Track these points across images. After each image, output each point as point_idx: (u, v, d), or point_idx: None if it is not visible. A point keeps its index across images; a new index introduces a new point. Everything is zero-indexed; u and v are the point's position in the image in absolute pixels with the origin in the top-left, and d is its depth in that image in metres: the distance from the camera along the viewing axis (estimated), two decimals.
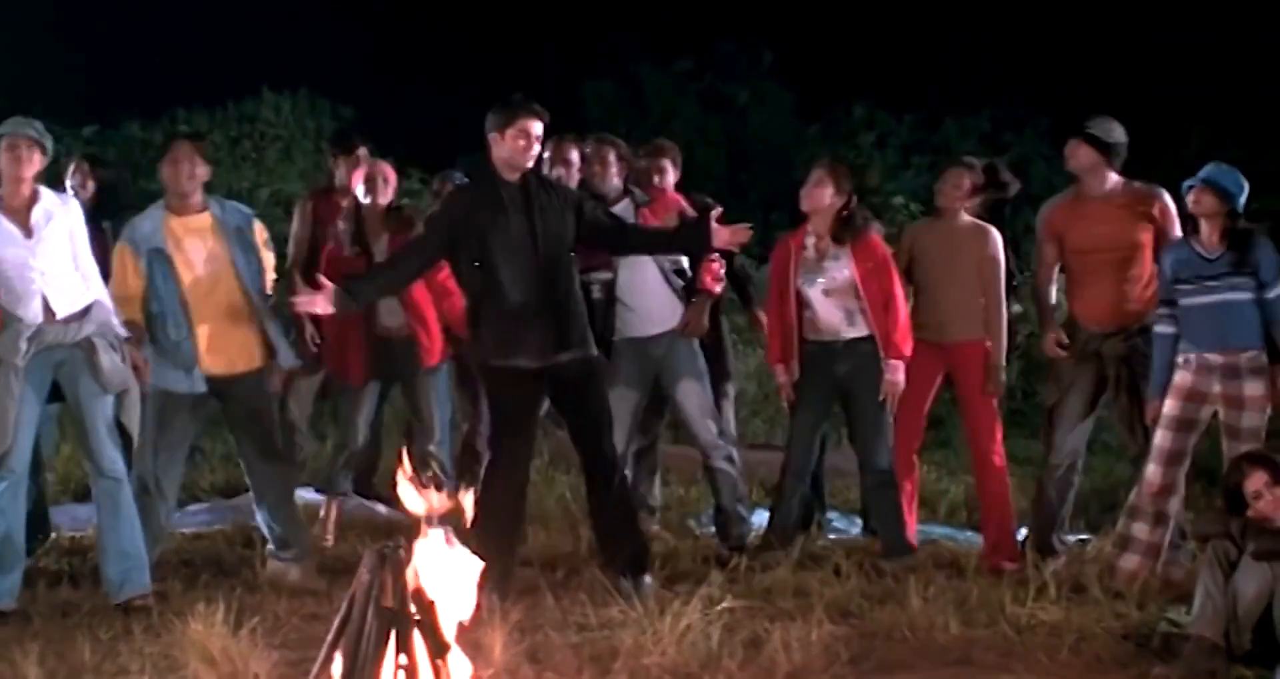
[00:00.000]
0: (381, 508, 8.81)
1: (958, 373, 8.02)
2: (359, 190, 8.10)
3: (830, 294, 7.63)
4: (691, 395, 7.89)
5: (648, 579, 7.00)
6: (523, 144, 6.85)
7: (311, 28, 21.20)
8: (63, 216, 6.77)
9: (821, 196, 7.62)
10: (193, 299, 7.00)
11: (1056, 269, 7.87)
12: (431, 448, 8.12)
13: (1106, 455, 10.63)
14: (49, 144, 6.77)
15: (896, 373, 7.61)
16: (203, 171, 7.11)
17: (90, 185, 9.12)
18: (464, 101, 22.37)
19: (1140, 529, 7.23)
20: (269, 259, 7.31)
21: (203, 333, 7.03)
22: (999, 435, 8.09)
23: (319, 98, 19.46)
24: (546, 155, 7.89)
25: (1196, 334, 7.08)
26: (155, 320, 7.02)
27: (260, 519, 7.37)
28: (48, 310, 6.62)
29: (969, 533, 8.91)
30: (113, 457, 6.77)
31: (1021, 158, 20.08)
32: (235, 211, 7.26)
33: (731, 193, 23.69)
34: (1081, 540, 8.51)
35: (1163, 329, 7.20)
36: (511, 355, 6.87)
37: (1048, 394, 7.88)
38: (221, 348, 7.08)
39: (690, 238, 7.32)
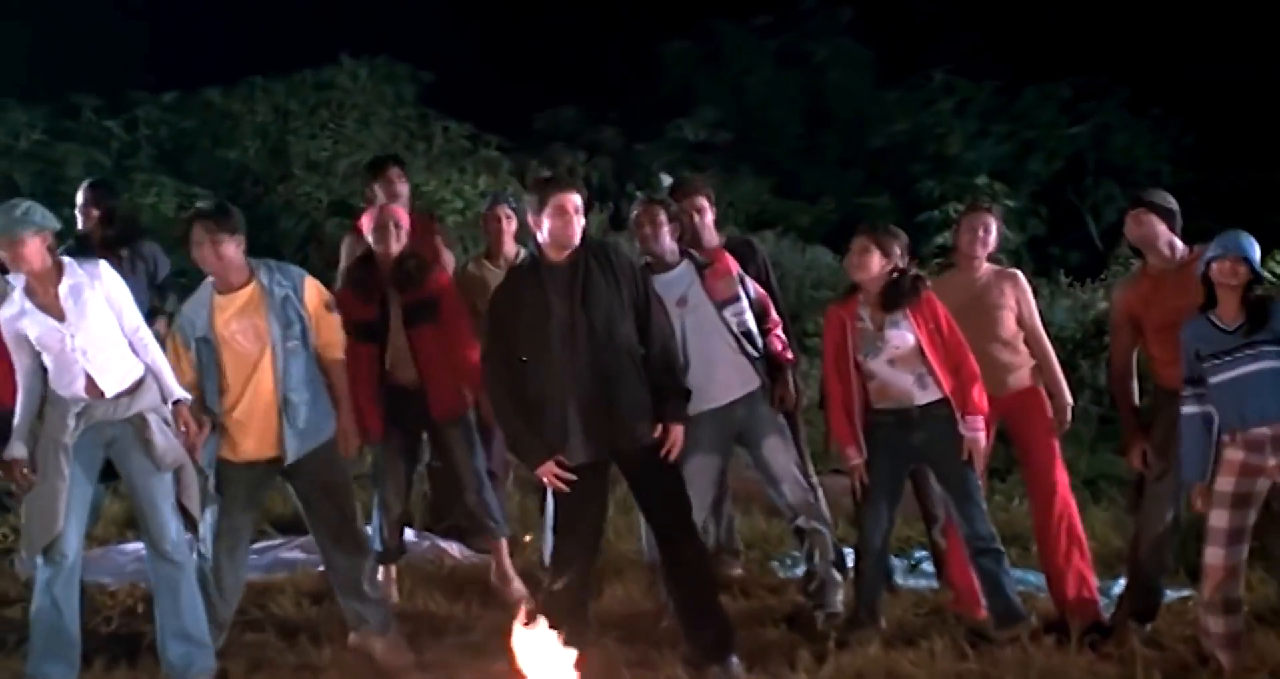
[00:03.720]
0: (455, 549, 8.26)
1: (1014, 423, 7.41)
2: (370, 237, 7.47)
3: (896, 363, 6.95)
4: (778, 453, 7.23)
5: (734, 661, 6.44)
6: (561, 222, 6.25)
7: None
8: (93, 287, 6.21)
9: (869, 265, 6.94)
10: (242, 383, 6.45)
11: (1134, 357, 7.20)
12: (470, 496, 7.54)
13: None
14: (39, 217, 6.15)
15: (975, 428, 6.92)
16: (232, 250, 6.48)
17: (93, 213, 8.55)
18: (543, 64, 21.93)
19: (1215, 623, 6.53)
20: (333, 321, 6.71)
21: (251, 416, 6.48)
22: (1065, 478, 7.46)
23: (398, 63, 18.84)
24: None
25: (1236, 410, 6.34)
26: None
27: (339, 599, 6.84)
28: (93, 389, 6.13)
29: None
30: (175, 540, 6.26)
31: (1101, 127, 19.31)
32: (284, 279, 6.59)
33: (808, 151, 23.05)
34: (1184, 597, 7.87)
35: (1190, 409, 6.48)
36: (563, 454, 6.29)
37: (1149, 469, 7.15)
38: (271, 430, 6.50)
39: (673, 412, 6.46)
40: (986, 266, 7.53)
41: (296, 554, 8.12)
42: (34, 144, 16.68)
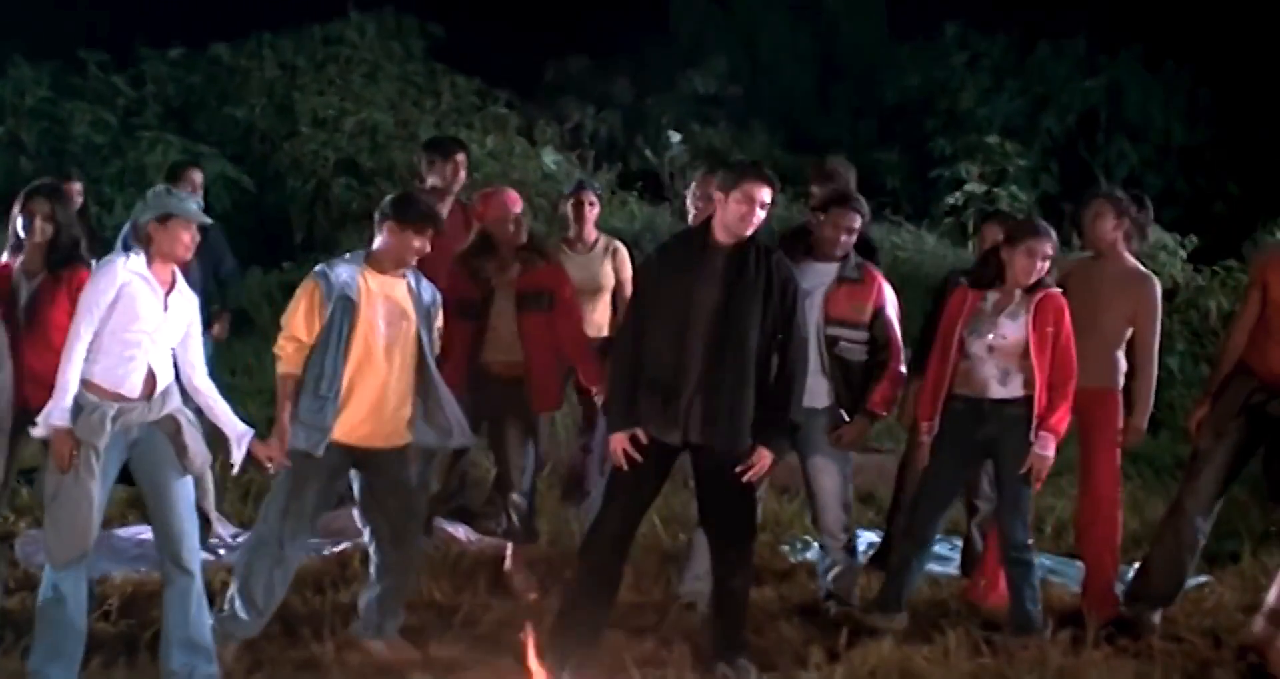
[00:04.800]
0: (461, 532, 8.07)
1: (1084, 422, 7.16)
2: (496, 225, 7.23)
3: (994, 351, 6.73)
4: (826, 473, 7.04)
5: (742, 663, 6.26)
6: (744, 210, 6.02)
7: None
8: (188, 308, 6.02)
9: (1042, 270, 6.70)
10: (359, 361, 6.23)
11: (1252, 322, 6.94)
12: (515, 497, 7.33)
13: None
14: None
15: (1048, 447, 6.68)
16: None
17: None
18: (553, 15, 21.58)
19: None
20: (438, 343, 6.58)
21: (358, 399, 6.25)
22: (1118, 491, 7.31)
23: (407, 17, 18.50)
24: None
25: None
26: (306, 372, 6.22)
27: (363, 599, 6.60)
28: (149, 384, 5.84)
29: (1079, 564, 8.05)
30: (192, 546, 5.99)
31: (1115, 83, 18.99)
32: (429, 288, 6.46)
33: (819, 106, 22.74)
34: (1200, 584, 7.69)
35: None
36: (648, 426, 6.12)
37: (1199, 438, 6.96)
38: (373, 419, 6.29)
39: (772, 439, 6.22)
40: (1127, 262, 7.21)
41: None
42: (40, 101, 16.40)
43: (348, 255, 6.41)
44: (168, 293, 5.88)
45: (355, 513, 7.83)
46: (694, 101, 21.41)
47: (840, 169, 7.80)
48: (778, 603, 7.30)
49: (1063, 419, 6.71)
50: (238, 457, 6.09)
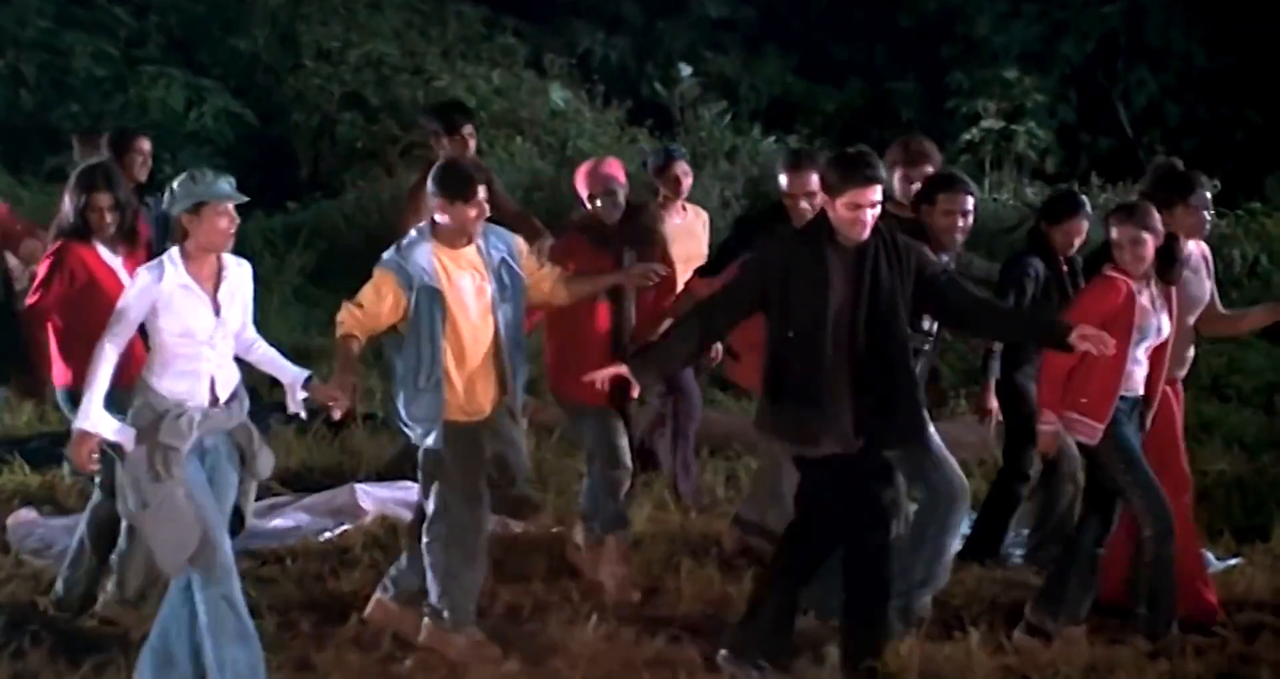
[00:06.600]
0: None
1: (1170, 411, 6.77)
2: (597, 203, 6.83)
3: (1147, 350, 6.35)
4: None
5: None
6: (853, 216, 5.64)
7: None
8: (243, 290, 5.64)
9: (1147, 255, 6.17)
10: (458, 346, 6.01)
11: None
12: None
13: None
14: None
15: None
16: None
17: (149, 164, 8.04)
18: None
19: None
20: (549, 273, 6.39)
21: (459, 379, 6.04)
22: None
23: None
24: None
25: None
26: (401, 365, 6.03)
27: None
28: (213, 395, 5.51)
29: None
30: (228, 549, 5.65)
31: (1135, 6, 18.45)
32: (498, 240, 6.17)
33: (834, 29, 22.16)
34: (1230, 566, 7.36)
35: None
36: (820, 440, 5.74)
37: None
38: (473, 392, 6.09)
39: (1046, 333, 6.02)
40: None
41: (301, 517, 7.55)
42: (40, 32, 15.98)
43: (413, 234, 6.10)
44: (216, 289, 5.50)
45: (358, 491, 7.62)
46: (706, 25, 20.87)
47: (931, 149, 7.17)
48: None
49: None
50: (295, 403, 5.80)
